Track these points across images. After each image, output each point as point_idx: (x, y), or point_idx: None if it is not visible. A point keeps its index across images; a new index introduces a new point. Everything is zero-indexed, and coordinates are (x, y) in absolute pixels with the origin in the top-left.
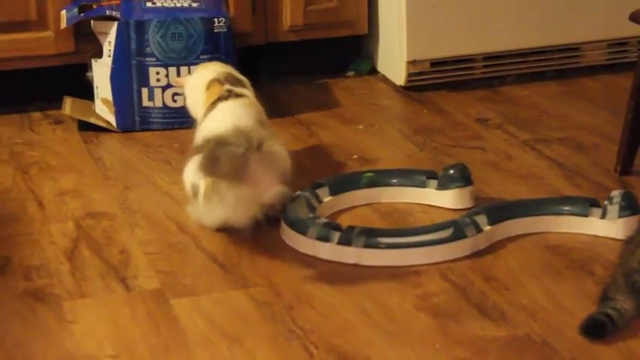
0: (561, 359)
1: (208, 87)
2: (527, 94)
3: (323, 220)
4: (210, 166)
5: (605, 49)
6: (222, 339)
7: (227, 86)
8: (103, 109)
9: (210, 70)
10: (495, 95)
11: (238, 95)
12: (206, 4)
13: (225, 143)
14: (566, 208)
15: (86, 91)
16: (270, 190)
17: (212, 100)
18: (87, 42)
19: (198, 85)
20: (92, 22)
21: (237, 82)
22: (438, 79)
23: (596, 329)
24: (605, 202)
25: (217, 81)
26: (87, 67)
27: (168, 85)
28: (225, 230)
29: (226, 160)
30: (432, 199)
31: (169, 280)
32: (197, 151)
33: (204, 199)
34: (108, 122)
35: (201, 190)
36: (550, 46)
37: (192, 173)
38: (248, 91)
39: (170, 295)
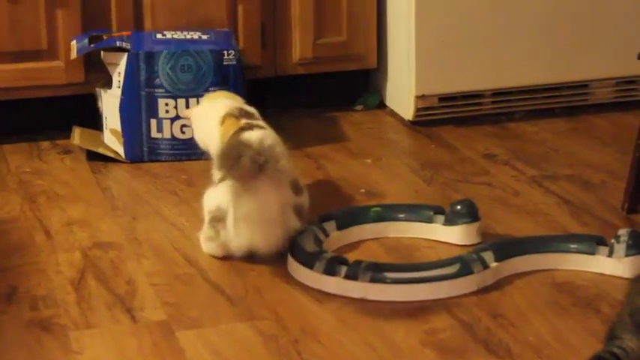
0: None
1: (223, 122)
2: (535, 131)
3: (330, 254)
4: (231, 161)
5: (613, 87)
6: None
7: (244, 120)
8: (112, 140)
9: (221, 104)
10: (503, 131)
11: (260, 127)
12: (216, 37)
13: (249, 147)
14: (573, 245)
15: (95, 122)
16: (288, 219)
17: (234, 131)
18: (97, 72)
19: (209, 118)
20: (102, 52)
21: (250, 116)
22: (447, 115)
23: None
24: (612, 241)
25: (232, 116)
26: (95, 97)
27: (177, 117)
28: (232, 262)
29: (246, 161)
30: (439, 235)
31: (176, 311)
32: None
33: (232, 222)
34: (116, 153)
35: (230, 212)
36: (559, 83)
37: (214, 197)
38: (264, 124)
39: (176, 327)
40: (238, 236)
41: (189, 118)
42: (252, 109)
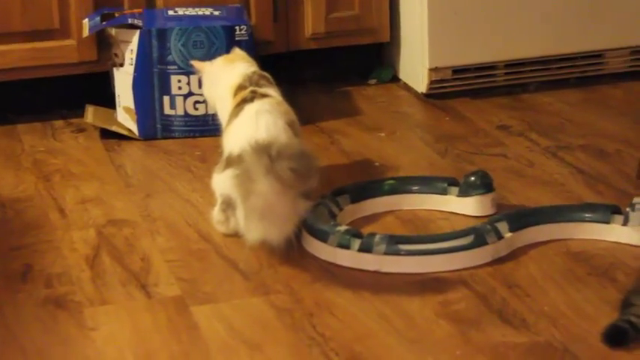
0: None
1: (235, 94)
2: (549, 102)
3: (344, 227)
4: (247, 183)
5: (628, 57)
6: (242, 346)
7: (251, 87)
8: (125, 117)
9: (235, 71)
10: (517, 102)
11: (263, 95)
12: (228, 13)
13: (260, 161)
14: (587, 215)
15: (108, 100)
16: (299, 206)
17: (236, 103)
18: (109, 50)
19: (221, 82)
20: (114, 30)
21: (260, 81)
22: (460, 87)
23: (618, 336)
24: (627, 209)
25: (243, 88)
26: (109, 75)
27: (190, 93)
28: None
29: (262, 177)
30: (453, 206)
31: (190, 287)
32: (230, 164)
33: (243, 217)
34: (130, 130)
35: (239, 206)
36: (573, 54)
37: (222, 184)
38: (273, 90)
39: (191, 303)
40: (249, 231)
41: (199, 71)
42: (265, 73)
